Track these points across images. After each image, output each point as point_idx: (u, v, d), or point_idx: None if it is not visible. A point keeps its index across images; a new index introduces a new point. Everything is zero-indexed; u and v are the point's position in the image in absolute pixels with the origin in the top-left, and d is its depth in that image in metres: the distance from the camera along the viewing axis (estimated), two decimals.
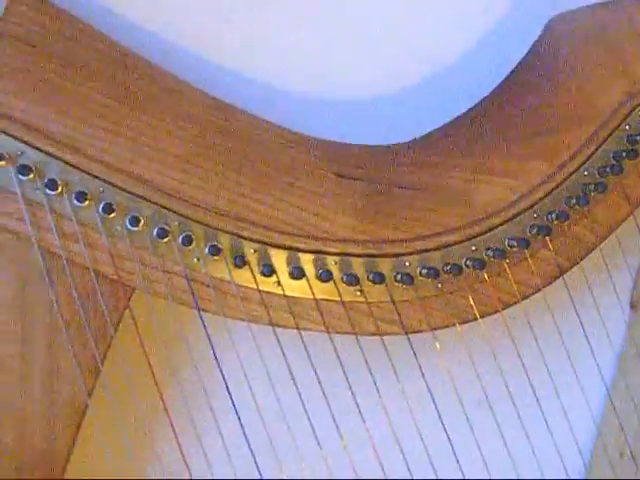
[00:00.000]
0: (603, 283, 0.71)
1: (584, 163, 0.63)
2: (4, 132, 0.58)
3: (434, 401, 0.63)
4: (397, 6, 0.66)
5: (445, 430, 0.63)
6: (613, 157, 0.64)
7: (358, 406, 0.61)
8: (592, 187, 0.63)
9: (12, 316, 0.60)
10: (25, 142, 0.58)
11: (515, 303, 0.63)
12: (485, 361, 0.67)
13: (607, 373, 0.76)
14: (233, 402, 0.60)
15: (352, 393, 0.61)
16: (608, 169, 0.63)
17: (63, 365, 0.60)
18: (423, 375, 0.63)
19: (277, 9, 0.65)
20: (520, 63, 0.66)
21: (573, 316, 0.67)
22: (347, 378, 0.61)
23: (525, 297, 0.63)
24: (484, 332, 0.64)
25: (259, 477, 0.61)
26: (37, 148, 0.58)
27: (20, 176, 0.58)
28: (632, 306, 0.77)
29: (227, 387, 0.60)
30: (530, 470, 0.68)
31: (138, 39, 0.64)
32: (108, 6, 0.64)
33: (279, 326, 0.61)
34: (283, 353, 0.60)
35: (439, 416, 0.63)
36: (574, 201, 0.63)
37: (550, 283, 0.64)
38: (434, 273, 0.61)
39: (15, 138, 0.58)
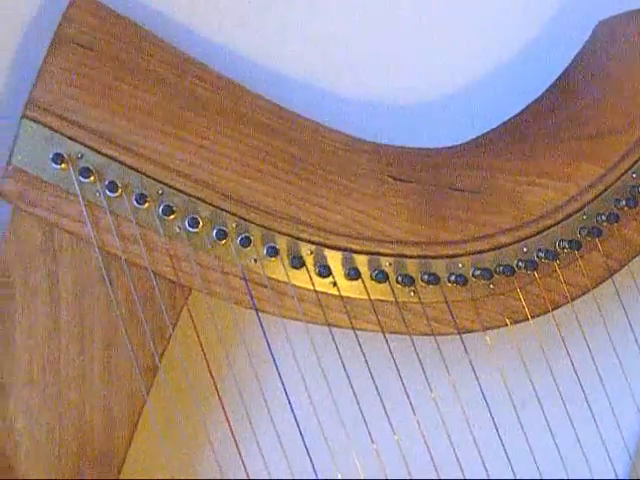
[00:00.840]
0: None
1: (633, 165, 0.64)
2: (65, 135, 0.59)
3: (485, 399, 0.64)
4: (448, 9, 0.67)
5: (496, 427, 0.64)
6: None
7: (411, 404, 0.62)
8: None
9: (72, 315, 0.61)
10: (85, 145, 0.59)
11: (565, 304, 0.64)
12: (534, 359, 0.68)
13: None
14: (289, 398, 0.61)
15: (405, 390, 0.62)
16: None
17: (121, 363, 0.61)
18: (476, 376, 0.64)
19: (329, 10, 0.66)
20: (569, 67, 0.67)
21: (622, 316, 0.68)
22: (400, 375, 0.62)
23: (574, 298, 0.64)
24: (534, 331, 0.65)
25: (314, 474, 0.62)
26: (97, 151, 0.59)
27: (81, 178, 0.59)
28: None
29: (283, 384, 0.61)
30: (578, 467, 0.69)
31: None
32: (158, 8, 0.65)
33: (335, 326, 0.62)
34: (338, 351, 0.61)
35: (490, 413, 0.64)
36: (623, 203, 0.64)
37: (599, 284, 0.65)
38: (487, 274, 0.62)
39: (75, 141, 0.59)
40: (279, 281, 0.61)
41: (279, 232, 0.61)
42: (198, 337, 0.61)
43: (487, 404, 0.64)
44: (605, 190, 0.64)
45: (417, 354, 0.62)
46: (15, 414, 0.61)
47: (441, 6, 0.67)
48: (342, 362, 0.61)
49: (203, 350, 0.61)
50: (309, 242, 0.61)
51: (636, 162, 0.64)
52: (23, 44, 0.64)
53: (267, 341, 0.61)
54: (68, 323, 0.61)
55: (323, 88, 0.67)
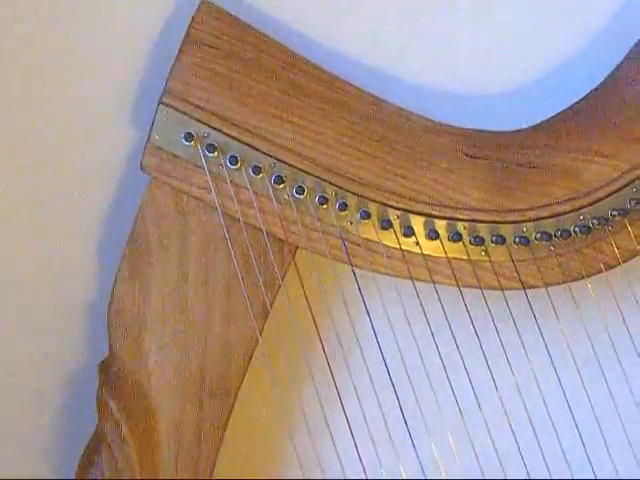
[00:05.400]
0: None
1: None
2: (193, 118, 0.71)
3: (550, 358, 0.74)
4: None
5: (561, 386, 0.75)
6: None
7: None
8: None
9: (198, 267, 0.72)
10: (210, 126, 0.70)
11: (616, 265, 0.73)
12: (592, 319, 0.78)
13: None
14: (378, 341, 0.72)
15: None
16: None
17: (238, 308, 0.72)
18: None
19: None
20: (624, 59, 0.76)
21: None
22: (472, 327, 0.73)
23: (625, 260, 0.73)
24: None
25: (402, 416, 0.72)
26: (220, 131, 0.71)
27: (207, 153, 0.71)
28: None
29: (374, 329, 0.72)
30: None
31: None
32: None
33: (417, 280, 0.72)
34: (421, 304, 0.72)
35: (555, 371, 0.75)
36: None
37: None
38: (547, 237, 0.72)
39: (202, 123, 0.70)
40: (371, 240, 0.72)
41: (371, 199, 0.72)
42: (304, 289, 0.72)
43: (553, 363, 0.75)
44: None
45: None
46: (149, 349, 0.72)
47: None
48: (425, 315, 0.72)
49: (307, 300, 0.72)
50: (396, 208, 0.72)
51: None
52: (155, 47, 0.75)
53: (361, 293, 0.73)
54: (194, 274, 0.72)
55: (408, 81, 0.78)
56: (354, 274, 0.72)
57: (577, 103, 0.76)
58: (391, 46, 0.77)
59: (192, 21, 0.72)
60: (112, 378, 0.73)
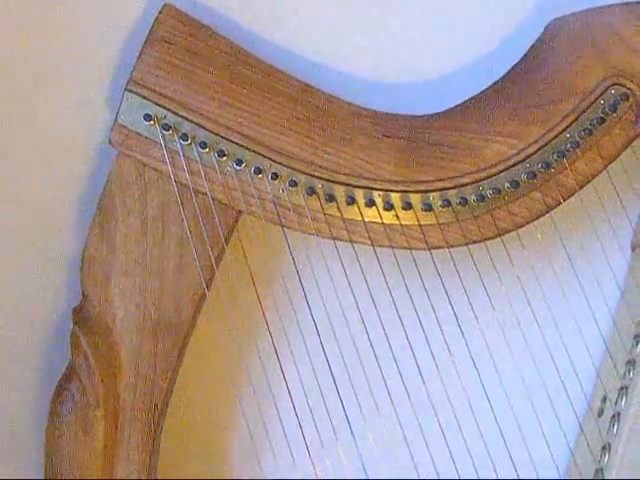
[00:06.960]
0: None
1: (567, 127, 0.84)
2: (153, 102, 0.84)
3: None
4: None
5: (469, 352, 0.87)
6: (590, 123, 0.85)
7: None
8: (573, 145, 0.84)
9: (155, 227, 0.84)
10: (166, 109, 0.84)
11: (512, 230, 0.85)
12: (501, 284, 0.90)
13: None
14: (304, 289, 0.85)
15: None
16: (585, 132, 0.85)
17: (189, 262, 0.84)
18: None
19: None
20: (526, 53, 0.88)
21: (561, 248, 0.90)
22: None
23: (518, 226, 0.84)
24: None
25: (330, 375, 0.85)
26: (174, 113, 0.84)
27: (163, 131, 0.85)
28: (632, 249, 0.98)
29: (301, 283, 0.86)
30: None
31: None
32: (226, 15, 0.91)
33: (337, 239, 0.84)
34: (341, 261, 0.85)
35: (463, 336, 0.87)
36: (558, 155, 0.84)
37: (539, 217, 0.84)
38: (448, 204, 0.84)
39: (159, 106, 0.84)
40: (298, 205, 0.85)
41: (299, 171, 0.84)
42: (244, 253, 0.85)
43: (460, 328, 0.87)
44: (545, 145, 0.85)
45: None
46: (114, 295, 0.85)
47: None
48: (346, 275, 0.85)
49: (246, 258, 0.85)
50: (320, 179, 0.85)
51: (570, 124, 0.84)
52: (125, 43, 0.88)
53: (291, 254, 0.86)
54: (153, 232, 0.85)
55: (341, 70, 0.91)
56: (284, 233, 0.85)
57: (483, 91, 0.88)
58: (323, 37, 0.90)
59: (155, 21, 0.85)
60: (83, 318, 0.86)
